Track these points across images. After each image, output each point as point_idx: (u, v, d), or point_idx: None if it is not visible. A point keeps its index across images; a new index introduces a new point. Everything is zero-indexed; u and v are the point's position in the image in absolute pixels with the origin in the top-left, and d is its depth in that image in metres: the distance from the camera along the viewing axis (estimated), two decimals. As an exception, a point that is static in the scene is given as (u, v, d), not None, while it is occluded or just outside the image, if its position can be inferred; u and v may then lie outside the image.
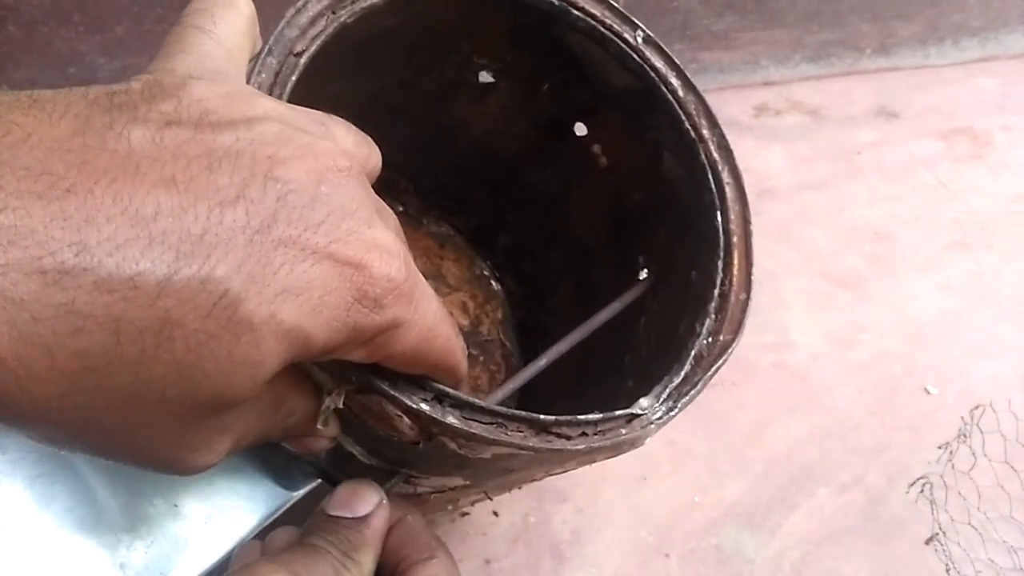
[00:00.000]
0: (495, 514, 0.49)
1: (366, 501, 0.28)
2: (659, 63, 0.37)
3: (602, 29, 0.37)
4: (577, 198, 0.48)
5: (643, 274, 0.43)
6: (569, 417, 0.28)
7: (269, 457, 0.31)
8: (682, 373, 0.32)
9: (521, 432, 0.27)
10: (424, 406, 0.25)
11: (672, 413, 0.31)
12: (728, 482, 0.52)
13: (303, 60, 0.28)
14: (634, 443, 0.30)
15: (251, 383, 0.19)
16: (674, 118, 0.37)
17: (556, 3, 0.36)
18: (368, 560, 0.27)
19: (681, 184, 0.39)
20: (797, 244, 0.68)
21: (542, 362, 0.35)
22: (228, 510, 0.30)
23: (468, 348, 0.51)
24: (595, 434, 0.29)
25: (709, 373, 0.32)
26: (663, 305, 0.41)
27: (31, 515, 0.27)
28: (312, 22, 0.29)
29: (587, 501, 0.50)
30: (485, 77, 0.44)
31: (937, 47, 0.89)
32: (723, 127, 0.37)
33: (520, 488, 0.41)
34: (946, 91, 0.85)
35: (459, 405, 0.26)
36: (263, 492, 0.30)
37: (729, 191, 0.36)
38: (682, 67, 0.38)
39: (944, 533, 0.50)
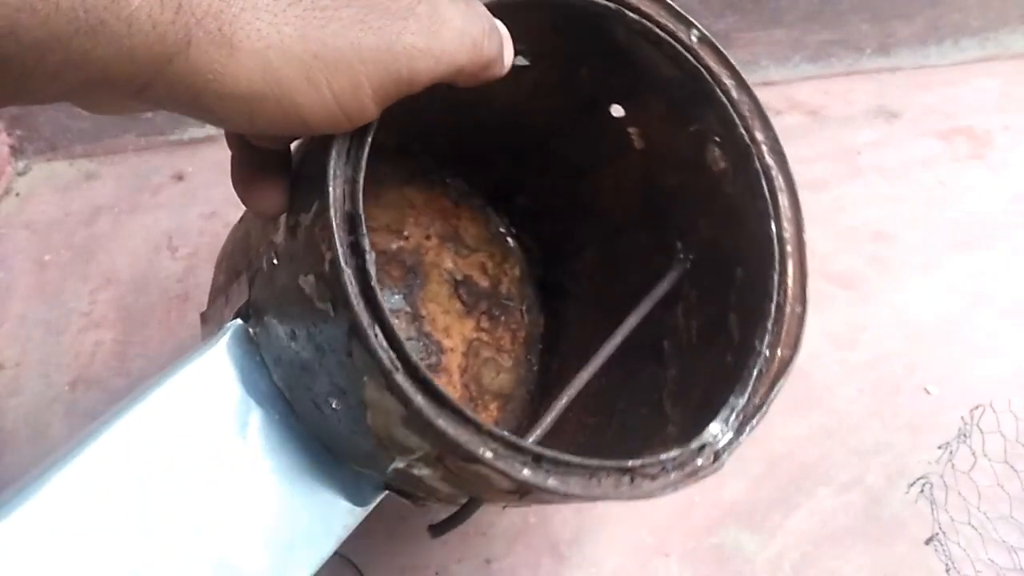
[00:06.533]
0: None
1: None
2: (713, 63, 0.36)
3: (657, 31, 0.35)
4: (607, 174, 0.46)
5: (676, 272, 0.42)
6: (651, 459, 0.28)
7: (336, 475, 0.32)
8: (745, 394, 0.32)
9: (611, 479, 0.27)
10: (527, 472, 0.25)
11: (741, 438, 0.31)
12: (728, 482, 0.52)
13: None
14: (713, 472, 0.30)
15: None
16: (727, 120, 0.36)
17: (611, 7, 0.35)
18: None
19: (727, 178, 0.38)
20: (797, 244, 0.68)
21: (563, 401, 0.35)
22: (309, 535, 0.31)
23: (491, 309, 0.51)
24: (674, 469, 0.29)
25: (772, 394, 0.32)
26: (703, 295, 0.40)
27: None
28: None
29: (587, 501, 0.50)
30: (520, 61, 0.42)
31: (937, 47, 0.89)
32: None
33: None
34: (946, 91, 0.85)
35: (553, 463, 0.26)
36: (338, 511, 0.31)
37: (783, 198, 0.35)
38: (736, 67, 0.36)
39: (944, 533, 0.50)
